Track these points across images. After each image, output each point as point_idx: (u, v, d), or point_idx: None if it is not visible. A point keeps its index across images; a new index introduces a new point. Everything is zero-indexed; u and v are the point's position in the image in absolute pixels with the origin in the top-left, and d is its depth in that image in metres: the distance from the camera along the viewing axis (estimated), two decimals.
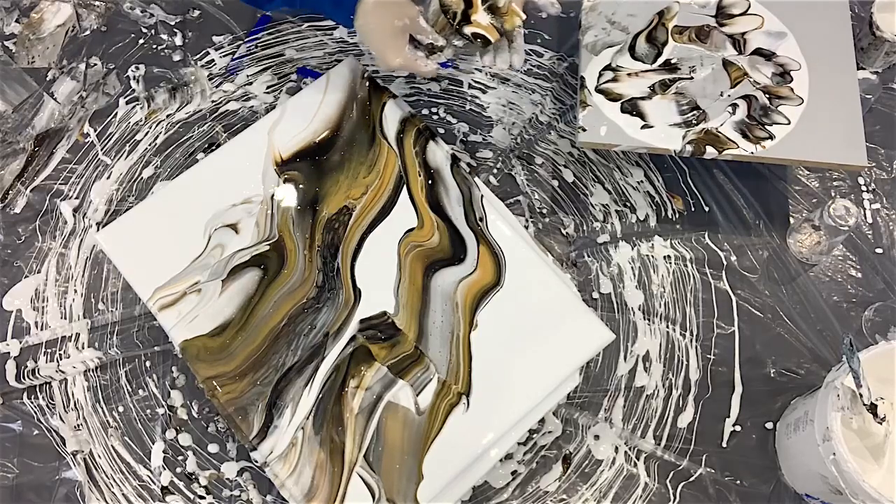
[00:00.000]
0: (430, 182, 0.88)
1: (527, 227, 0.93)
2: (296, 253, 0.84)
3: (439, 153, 0.90)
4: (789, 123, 0.87)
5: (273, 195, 0.86)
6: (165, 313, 0.82)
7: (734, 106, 0.88)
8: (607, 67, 0.91)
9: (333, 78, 0.93)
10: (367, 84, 0.93)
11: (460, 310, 0.82)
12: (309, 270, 0.83)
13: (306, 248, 0.84)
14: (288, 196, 0.87)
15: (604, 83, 0.89)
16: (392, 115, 0.91)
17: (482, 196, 0.87)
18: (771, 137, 0.86)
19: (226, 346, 0.80)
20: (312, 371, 0.80)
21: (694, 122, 0.87)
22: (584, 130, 0.87)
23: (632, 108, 0.88)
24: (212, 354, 0.79)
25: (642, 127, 0.87)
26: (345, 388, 0.79)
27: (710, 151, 0.85)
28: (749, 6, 0.94)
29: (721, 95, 0.89)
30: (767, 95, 0.88)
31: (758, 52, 0.91)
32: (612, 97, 0.89)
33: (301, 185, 0.87)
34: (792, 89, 0.89)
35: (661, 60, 0.91)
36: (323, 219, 0.86)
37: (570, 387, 0.82)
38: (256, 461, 0.77)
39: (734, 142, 0.86)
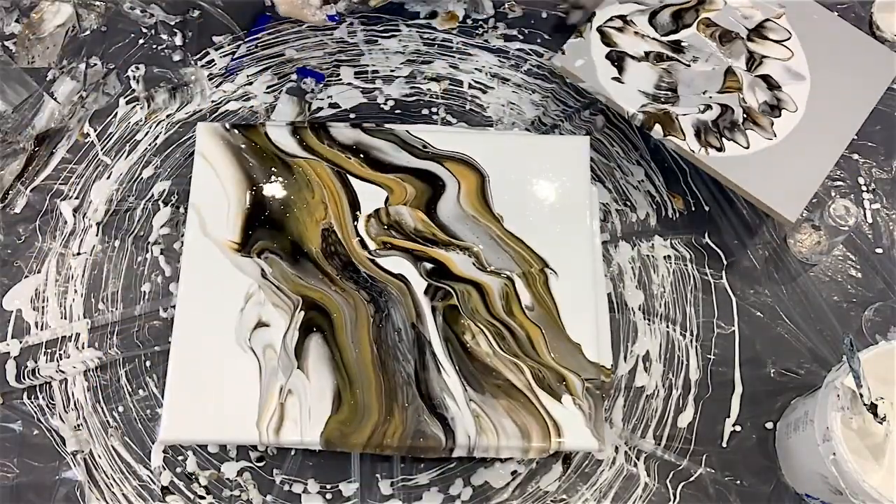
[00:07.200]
0: (361, 156, 0.89)
1: None
2: (327, 295, 0.83)
3: (345, 131, 0.90)
4: (747, 148, 0.85)
5: (262, 273, 0.83)
6: (284, 432, 0.77)
7: (708, 107, 0.87)
8: (621, 17, 0.90)
9: (205, 150, 0.89)
10: (237, 131, 0.90)
11: (480, 217, 0.85)
12: (350, 297, 0.83)
13: (331, 286, 0.84)
14: (273, 264, 0.84)
15: (608, 25, 0.89)
16: (280, 136, 0.89)
17: (408, 130, 0.89)
18: (720, 150, 0.85)
19: (354, 407, 0.78)
20: (431, 358, 0.80)
21: (662, 100, 0.86)
22: (563, 53, 0.86)
23: (618, 59, 0.87)
24: (351, 424, 0.77)
25: (613, 78, 0.87)
26: (467, 347, 0.80)
27: (657, 130, 0.85)
28: (789, 38, 0.91)
29: (703, 94, 0.87)
30: (745, 116, 0.87)
31: (766, 77, 0.89)
32: (607, 42, 0.88)
33: (276, 246, 0.85)
34: (772, 123, 0.87)
35: (673, 38, 0.90)
36: (318, 254, 0.85)
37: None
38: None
39: (683, 132, 0.85)
